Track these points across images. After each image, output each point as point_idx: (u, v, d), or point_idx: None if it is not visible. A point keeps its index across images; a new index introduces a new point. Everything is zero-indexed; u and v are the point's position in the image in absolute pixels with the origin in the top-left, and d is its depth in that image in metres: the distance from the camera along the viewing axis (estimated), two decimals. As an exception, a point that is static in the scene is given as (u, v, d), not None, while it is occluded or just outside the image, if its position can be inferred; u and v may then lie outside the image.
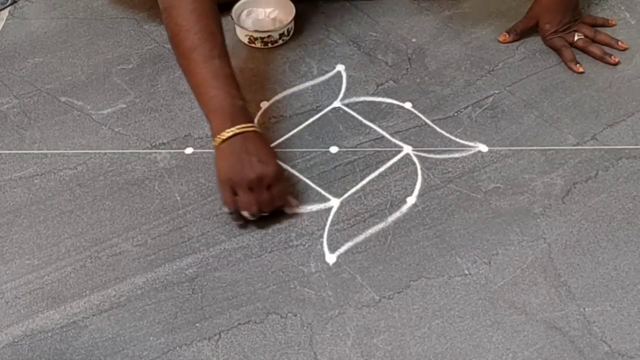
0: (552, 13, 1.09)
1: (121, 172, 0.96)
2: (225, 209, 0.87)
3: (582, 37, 1.10)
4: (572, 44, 1.10)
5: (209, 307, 0.81)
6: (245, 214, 0.86)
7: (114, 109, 1.05)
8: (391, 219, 0.89)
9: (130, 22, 1.19)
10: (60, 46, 1.16)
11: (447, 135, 0.99)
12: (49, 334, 0.79)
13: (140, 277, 0.84)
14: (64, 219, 0.91)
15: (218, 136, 0.85)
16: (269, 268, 0.85)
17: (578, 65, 1.07)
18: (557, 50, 1.10)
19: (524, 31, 1.13)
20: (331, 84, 1.08)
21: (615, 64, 1.08)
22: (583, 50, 1.10)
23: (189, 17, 0.87)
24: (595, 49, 1.09)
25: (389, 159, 0.96)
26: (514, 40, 1.13)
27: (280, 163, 0.91)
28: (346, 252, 0.86)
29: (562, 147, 0.97)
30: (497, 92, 1.05)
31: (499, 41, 1.14)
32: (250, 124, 0.86)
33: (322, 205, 0.91)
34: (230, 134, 0.84)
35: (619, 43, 1.11)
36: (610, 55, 1.08)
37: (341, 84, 1.08)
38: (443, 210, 0.90)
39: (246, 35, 1.13)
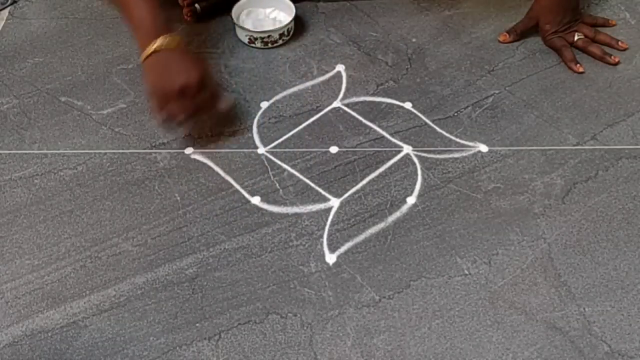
0: (552, 13, 1.09)
1: (121, 172, 0.96)
2: (156, 120, 0.94)
3: (582, 37, 1.10)
4: (572, 44, 1.10)
5: (209, 307, 0.81)
6: (175, 122, 0.93)
7: (114, 109, 1.05)
8: (391, 219, 0.89)
9: (130, 22, 1.19)
10: (60, 46, 1.16)
11: (447, 135, 0.99)
12: (49, 334, 0.79)
13: (140, 277, 0.84)
14: (64, 219, 0.91)
15: (144, 52, 0.92)
16: (269, 268, 0.85)
17: (578, 65, 1.07)
18: (557, 50, 1.10)
19: (524, 31, 1.13)
20: (331, 84, 1.08)
21: (615, 64, 1.08)
22: (583, 50, 1.10)
23: None
24: (595, 49, 1.09)
25: (389, 159, 0.96)
26: (514, 41, 1.13)
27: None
28: (346, 252, 0.86)
29: (562, 147, 0.97)
30: (497, 92, 1.05)
31: (499, 41, 1.14)
32: (172, 37, 0.92)
33: (322, 205, 0.91)
34: (155, 47, 0.91)
35: (619, 43, 1.11)
36: (610, 55, 1.08)
37: (341, 84, 1.08)
38: (443, 210, 0.90)
39: (246, 35, 1.13)
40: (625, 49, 1.11)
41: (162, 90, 0.91)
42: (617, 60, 1.08)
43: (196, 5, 1.18)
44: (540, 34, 1.12)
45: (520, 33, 1.13)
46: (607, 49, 1.10)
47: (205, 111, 0.95)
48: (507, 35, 1.13)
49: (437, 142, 0.98)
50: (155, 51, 0.91)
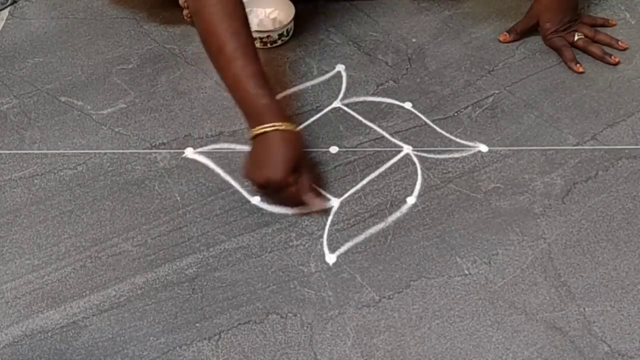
0: (552, 12, 1.09)
1: (121, 172, 0.96)
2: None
3: (582, 36, 1.10)
4: (572, 44, 1.10)
5: (209, 307, 0.81)
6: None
7: (114, 109, 1.05)
8: (391, 219, 0.89)
9: (130, 22, 1.19)
10: (60, 46, 1.16)
11: (447, 135, 0.99)
12: (49, 334, 0.79)
13: (140, 277, 0.84)
14: (64, 219, 0.91)
15: (254, 129, 0.87)
16: (269, 268, 0.85)
17: (578, 65, 1.07)
18: (557, 50, 1.10)
19: (524, 31, 1.13)
20: (331, 84, 1.08)
21: (615, 64, 1.08)
22: (583, 50, 1.10)
23: (213, 19, 0.88)
24: (595, 49, 1.09)
25: (389, 159, 0.96)
26: (514, 40, 1.13)
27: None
28: (346, 252, 0.86)
29: (562, 147, 0.97)
30: (497, 92, 1.05)
31: (499, 41, 1.14)
32: (271, 124, 0.86)
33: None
34: (254, 133, 0.87)
35: (619, 43, 1.11)
36: (610, 55, 1.08)
37: (341, 84, 1.08)
38: (443, 210, 0.90)
39: (246, 35, 1.13)
40: (625, 49, 1.11)
41: (252, 178, 0.88)
42: (617, 60, 1.08)
43: (196, 5, 1.17)
44: (540, 33, 1.12)
45: (521, 32, 1.13)
46: (607, 49, 1.10)
47: (290, 205, 0.90)
48: (507, 35, 1.13)
49: (437, 142, 0.98)
50: (255, 136, 0.87)
